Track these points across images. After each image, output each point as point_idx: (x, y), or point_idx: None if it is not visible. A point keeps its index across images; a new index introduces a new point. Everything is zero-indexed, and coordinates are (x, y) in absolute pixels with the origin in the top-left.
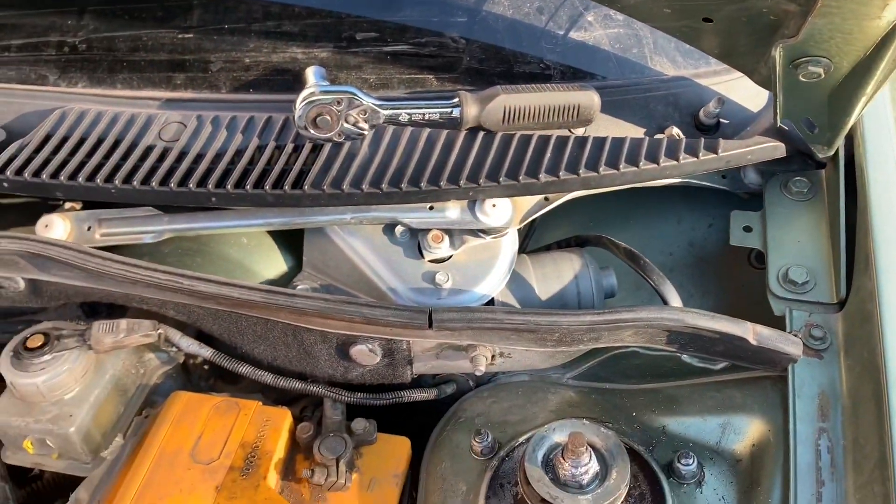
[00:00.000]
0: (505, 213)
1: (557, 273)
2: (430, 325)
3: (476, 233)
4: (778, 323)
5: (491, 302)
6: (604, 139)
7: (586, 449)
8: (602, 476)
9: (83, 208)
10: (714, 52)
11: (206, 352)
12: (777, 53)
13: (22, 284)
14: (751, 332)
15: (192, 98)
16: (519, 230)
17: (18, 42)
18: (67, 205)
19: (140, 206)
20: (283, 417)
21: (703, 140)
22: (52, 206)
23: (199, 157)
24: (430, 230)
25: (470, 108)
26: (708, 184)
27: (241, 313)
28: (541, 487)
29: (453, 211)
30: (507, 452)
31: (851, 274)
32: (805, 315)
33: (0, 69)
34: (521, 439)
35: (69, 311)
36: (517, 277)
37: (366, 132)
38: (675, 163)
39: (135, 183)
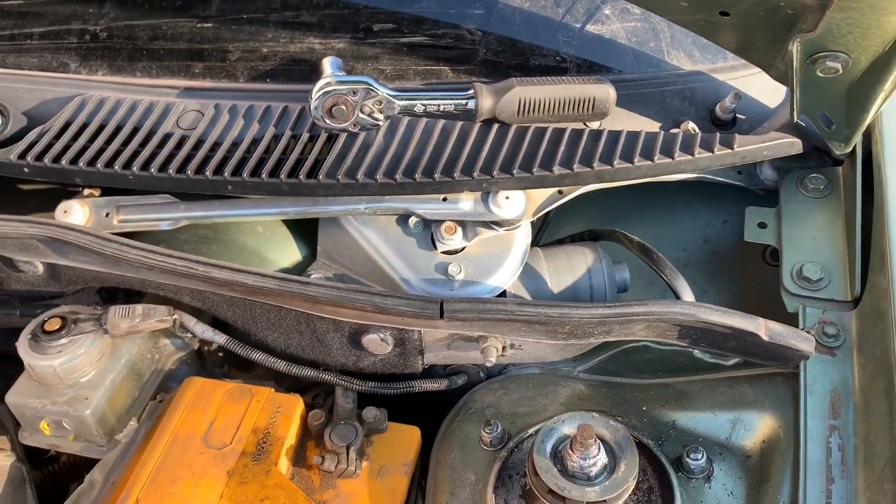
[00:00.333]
0: (518, 205)
1: (570, 266)
2: (442, 316)
3: (489, 225)
4: (792, 320)
5: (503, 294)
6: (619, 133)
7: (595, 441)
8: (610, 468)
9: (102, 195)
10: (731, 47)
11: (220, 338)
12: (794, 48)
13: (41, 268)
14: (763, 327)
15: (210, 87)
16: (532, 223)
17: (40, 30)
18: (86, 191)
19: (157, 194)
20: (295, 404)
21: (718, 135)
22: (71, 193)
23: (216, 146)
24: (443, 221)
25: (485, 99)
26: (723, 179)
27: (255, 301)
28: (549, 478)
29: (467, 203)
30: (516, 444)
31: (866, 272)
32: (819, 312)
33: (22, 56)
34: (531, 431)
35: (87, 297)
36: (530, 270)
37: (381, 123)
38: (690, 157)
39: (152, 170)
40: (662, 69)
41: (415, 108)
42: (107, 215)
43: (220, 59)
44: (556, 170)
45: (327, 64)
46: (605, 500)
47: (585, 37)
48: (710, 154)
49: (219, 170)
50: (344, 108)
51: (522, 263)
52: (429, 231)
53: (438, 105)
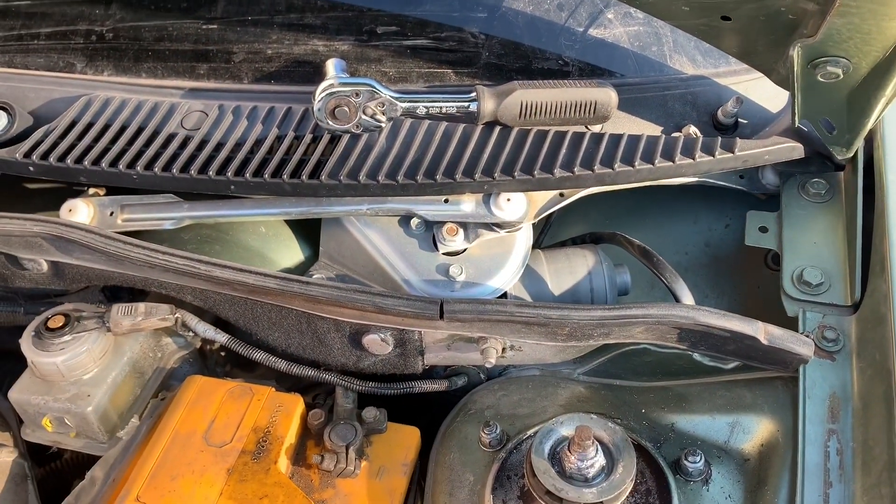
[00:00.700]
0: (519, 207)
1: (571, 269)
2: (442, 316)
3: (490, 226)
4: (792, 324)
5: (504, 296)
6: (620, 136)
7: (592, 442)
8: (608, 470)
9: (106, 194)
10: (732, 51)
11: (221, 337)
12: (795, 53)
13: (45, 266)
14: (762, 331)
15: (215, 88)
16: (534, 226)
17: (47, 30)
18: (91, 190)
19: (161, 193)
20: (296, 404)
21: (720, 139)
22: (76, 192)
23: (219, 146)
24: (444, 223)
25: (487, 102)
26: (725, 184)
27: (256, 300)
28: (546, 479)
29: (468, 204)
30: (515, 445)
31: (867, 276)
32: (819, 317)
33: (29, 56)
34: (530, 432)
35: (91, 296)
36: (531, 272)
37: (383, 124)
38: (691, 161)
39: (156, 169)
40: (665, 73)
41: (417, 111)
42: (111, 214)
43: (225, 60)
44: (558, 172)
45: (331, 66)
46: (602, 502)
47: (588, 40)
48: (712, 158)
49: (222, 170)
50: (347, 109)
51: (523, 265)
52: (430, 232)
53: (441, 107)
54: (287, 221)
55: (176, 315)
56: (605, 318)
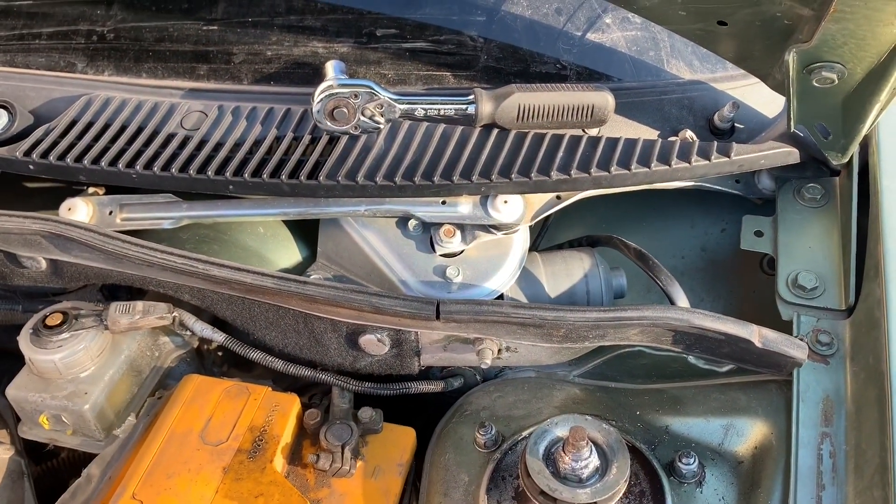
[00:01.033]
0: (516, 209)
1: (567, 271)
2: (438, 317)
3: (487, 228)
4: (787, 328)
5: (501, 297)
6: (616, 139)
7: (587, 443)
8: (602, 471)
9: (105, 193)
10: (729, 56)
11: (219, 336)
12: (791, 58)
13: (44, 264)
14: (756, 334)
15: (215, 88)
16: (531, 228)
17: (49, 30)
18: (90, 189)
19: (160, 193)
20: (292, 403)
21: (716, 143)
22: (75, 191)
23: (218, 146)
24: (442, 224)
25: (485, 105)
26: (721, 188)
27: (253, 300)
28: (541, 480)
29: (465, 206)
30: (510, 446)
31: (861, 281)
32: (813, 321)
33: (30, 56)
34: (525, 433)
35: (89, 295)
36: (527, 274)
37: (382, 126)
38: (686, 165)
39: (155, 169)
40: (662, 78)
41: (416, 112)
42: (110, 213)
43: (225, 61)
44: (554, 175)
45: (330, 67)
46: (595, 503)
47: (586, 45)
48: (708, 162)
49: (221, 170)
50: (346, 110)
51: (520, 267)
52: (428, 234)
53: (439, 109)
54: (285, 222)
55: (174, 314)
56: (601, 319)
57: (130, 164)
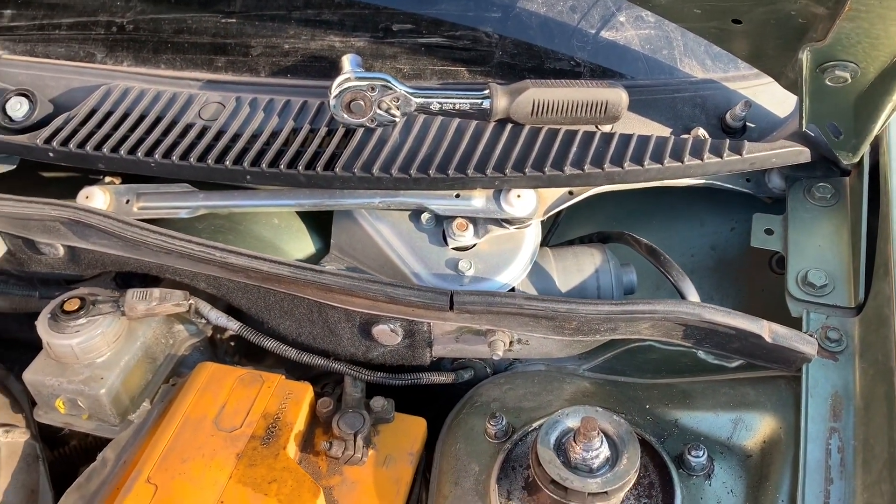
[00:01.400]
0: (529, 204)
1: (578, 266)
2: (452, 307)
3: (500, 222)
4: (796, 325)
5: (512, 291)
6: (630, 136)
7: (598, 433)
8: (612, 461)
9: (122, 183)
10: (742, 55)
11: (233, 325)
12: (804, 57)
13: (61, 251)
14: (766, 329)
15: (232, 80)
16: (542, 223)
17: (69, 21)
18: (107, 179)
19: (177, 182)
20: (305, 391)
21: (728, 141)
22: (92, 181)
23: (236, 137)
24: (455, 218)
25: (500, 99)
26: (732, 186)
27: (269, 288)
28: (551, 469)
29: (479, 200)
30: (520, 437)
31: (870, 279)
32: (822, 318)
33: (50, 46)
34: (535, 425)
35: (102, 284)
36: (538, 269)
37: (397, 119)
38: (699, 162)
39: (174, 158)
40: (675, 76)
41: (431, 106)
42: (127, 202)
43: (243, 53)
44: (568, 170)
45: (347, 61)
46: (606, 492)
47: (600, 42)
48: (720, 159)
49: (238, 160)
50: (362, 103)
51: (531, 262)
52: (440, 227)
53: (454, 104)
54: (299, 214)
55: (190, 301)
56: (612, 312)
57: (149, 152)
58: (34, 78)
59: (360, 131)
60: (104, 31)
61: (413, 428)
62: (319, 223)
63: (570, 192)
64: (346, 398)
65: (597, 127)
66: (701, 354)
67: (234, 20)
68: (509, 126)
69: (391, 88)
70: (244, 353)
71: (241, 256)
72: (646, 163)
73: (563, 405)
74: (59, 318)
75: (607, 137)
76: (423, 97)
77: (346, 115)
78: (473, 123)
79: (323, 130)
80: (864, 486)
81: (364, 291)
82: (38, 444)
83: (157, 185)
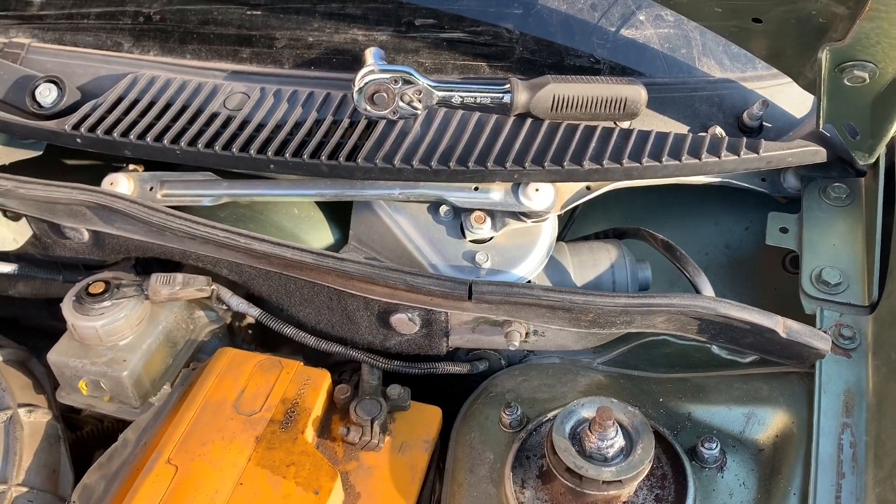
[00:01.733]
0: (547, 197)
1: (594, 261)
2: (470, 297)
3: (518, 216)
4: (809, 323)
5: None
6: (648, 132)
7: (613, 423)
8: (627, 451)
9: (145, 171)
10: (761, 54)
11: (254, 311)
12: (823, 56)
13: (86, 236)
14: (781, 324)
15: (257, 71)
16: (559, 218)
17: (97, 10)
18: (131, 166)
19: (202, 171)
20: (323, 378)
21: (745, 140)
22: (115, 169)
23: (260, 126)
24: (473, 211)
25: (520, 94)
26: (748, 185)
27: (290, 276)
28: (567, 457)
29: (497, 193)
30: (535, 426)
31: (884, 279)
32: (836, 315)
33: (79, 35)
34: (550, 415)
35: (124, 270)
36: (554, 263)
37: (419, 111)
38: (716, 159)
39: (199, 146)
40: (693, 75)
41: (452, 100)
42: (150, 189)
43: (268, 45)
44: (587, 164)
45: (370, 54)
46: (620, 480)
47: (619, 40)
48: (737, 157)
49: (262, 149)
50: (385, 95)
51: (548, 255)
52: (458, 220)
53: (475, 97)
54: (318, 205)
55: (212, 287)
56: (629, 305)
57: (175, 140)
58: (62, 66)
59: (382, 123)
60: (131, 21)
61: (428, 416)
62: (338, 214)
63: (588, 188)
64: (363, 385)
65: (615, 123)
66: (714, 349)
67: (259, 12)
68: (529, 121)
69: (414, 81)
70: (261, 342)
71: (265, 243)
72: (664, 159)
73: (577, 397)
74: (84, 300)
75: (626, 133)
76: (444, 90)
77: (368, 107)
78: (493, 117)
79: (345, 122)
80: (875, 482)
81: (384, 279)
82: (60, 424)
83: (180, 174)
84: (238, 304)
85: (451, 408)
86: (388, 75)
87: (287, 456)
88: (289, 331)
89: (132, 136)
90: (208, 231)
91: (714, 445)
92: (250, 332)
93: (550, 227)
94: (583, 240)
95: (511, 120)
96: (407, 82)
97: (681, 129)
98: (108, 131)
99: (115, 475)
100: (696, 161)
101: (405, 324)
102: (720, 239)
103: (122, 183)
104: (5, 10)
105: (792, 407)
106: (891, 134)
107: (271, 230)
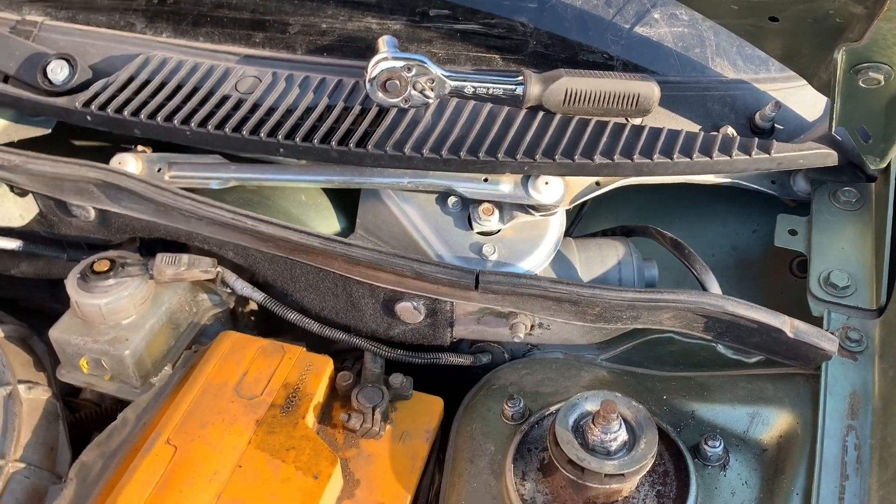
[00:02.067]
0: (556, 191)
1: (601, 257)
2: (477, 287)
3: (526, 209)
4: (816, 325)
5: None
6: (660, 129)
7: (617, 416)
8: (630, 445)
9: (154, 152)
10: (776, 54)
11: (258, 295)
12: (839, 57)
13: (92, 214)
14: (788, 324)
15: (269, 56)
16: (567, 213)
17: None
18: (139, 147)
19: (211, 153)
20: (326, 364)
21: (756, 140)
22: (123, 150)
23: (271, 110)
24: (481, 202)
25: (533, 86)
26: (757, 187)
27: (296, 260)
28: (569, 449)
29: (507, 185)
30: (537, 420)
31: (893, 283)
32: (843, 318)
33: (92, 14)
34: (552, 409)
35: (129, 251)
36: (561, 258)
37: (431, 100)
38: (727, 158)
39: (209, 127)
40: (706, 75)
41: (465, 90)
42: (158, 170)
43: (281, 30)
44: (597, 159)
45: (383, 42)
46: (622, 474)
47: (633, 38)
48: (748, 157)
49: (273, 133)
50: (398, 83)
51: (555, 250)
52: (466, 211)
53: (488, 88)
54: (326, 192)
55: (217, 269)
56: (636, 300)
57: (185, 121)
58: (75, 44)
59: (394, 111)
60: (145, 2)
61: (430, 406)
62: (345, 203)
63: (598, 183)
64: (365, 373)
65: (627, 119)
66: (720, 349)
67: None
68: (541, 114)
69: (427, 70)
70: (263, 328)
71: (272, 225)
72: (675, 156)
73: (581, 392)
74: (88, 277)
75: (638, 130)
76: (457, 80)
77: (381, 94)
78: (505, 109)
79: (356, 109)
80: (879, 484)
81: (391, 266)
82: (59, 402)
83: (188, 155)
84: (242, 287)
85: (452, 399)
86: (401, 63)
87: (287, 440)
88: (292, 316)
89: (142, 116)
90: (215, 212)
91: (717, 444)
92: (253, 318)
93: (559, 222)
94: (590, 236)
95: (523, 112)
96: (420, 71)
97: (692, 127)
98: (119, 110)
99: (113, 454)
100: (708, 159)
101: (410, 312)
102: (727, 241)
103: (130, 163)
104: None
105: (797, 408)
106: None
107: (278, 216)
